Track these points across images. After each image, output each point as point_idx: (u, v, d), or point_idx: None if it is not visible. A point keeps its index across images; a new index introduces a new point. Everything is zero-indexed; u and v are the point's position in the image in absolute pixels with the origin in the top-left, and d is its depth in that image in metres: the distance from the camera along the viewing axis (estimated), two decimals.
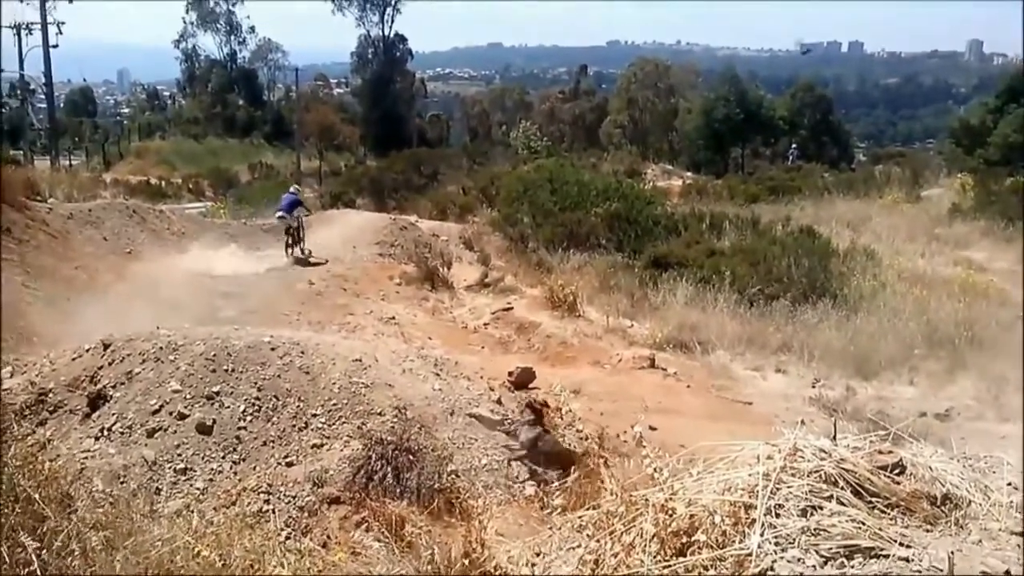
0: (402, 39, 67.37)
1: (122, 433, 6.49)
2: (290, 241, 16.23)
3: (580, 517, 3.56)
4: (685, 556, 2.86)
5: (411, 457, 5.98)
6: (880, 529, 2.79)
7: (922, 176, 31.41)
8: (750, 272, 15.02)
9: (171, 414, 6.58)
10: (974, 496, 3.08)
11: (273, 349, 7.28)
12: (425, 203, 27.33)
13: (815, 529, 2.80)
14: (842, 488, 2.96)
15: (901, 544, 2.75)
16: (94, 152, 53.37)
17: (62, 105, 63.52)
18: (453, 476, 6.15)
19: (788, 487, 2.96)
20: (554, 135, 57.82)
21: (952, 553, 2.66)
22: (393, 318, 13.03)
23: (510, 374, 8.85)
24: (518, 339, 12.60)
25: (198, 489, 6.03)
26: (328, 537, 5.33)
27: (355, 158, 57.59)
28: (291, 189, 18.06)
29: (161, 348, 7.20)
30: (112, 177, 36.46)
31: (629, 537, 3.06)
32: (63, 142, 49.12)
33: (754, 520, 2.84)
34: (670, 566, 2.85)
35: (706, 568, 2.79)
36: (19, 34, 41.68)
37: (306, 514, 5.71)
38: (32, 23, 41.23)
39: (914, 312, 13.30)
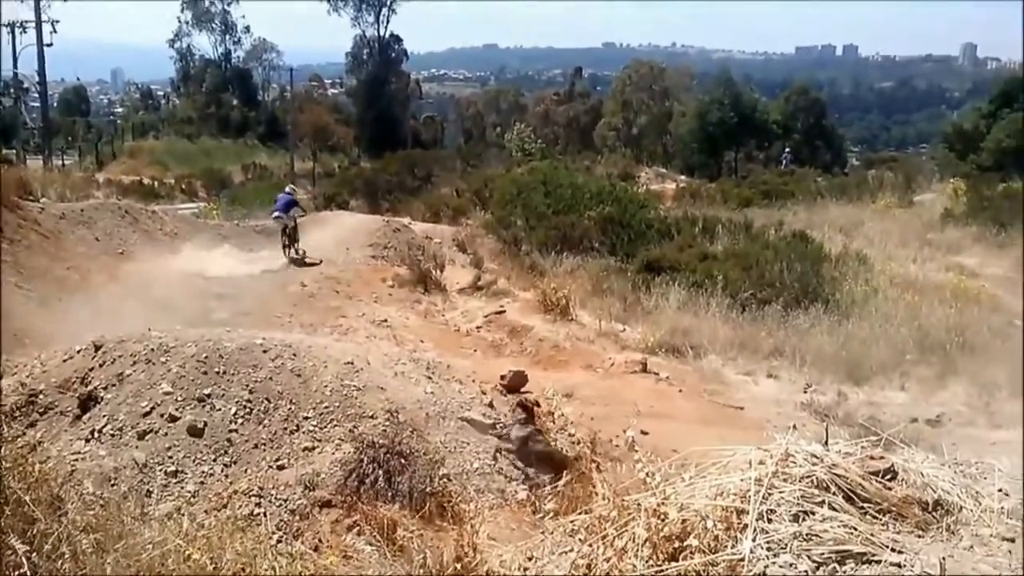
0: (397, 40, 67.34)
1: (113, 435, 6.47)
2: (287, 241, 16.20)
3: (572, 521, 3.56)
4: (677, 561, 2.86)
5: (403, 460, 5.97)
6: (872, 535, 2.79)
7: (915, 181, 31.63)
8: (742, 276, 15.07)
9: (162, 416, 6.56)
10: (965, 502, 3.09)
11: (265, 351, 7.27)
12: (418, 205, 27.31)
13: (807, 534, 2.80)
14: (834, 493, 2.96)
15: (893, 550, 2.75)
16: (87, 152, 53.06)
17: (55, 104, 63.39)
18: (445, 480, 6.14)
19: (780, 492, 2.96)
20: (548, 137, 57.74)
21: (943, 559, 2.66)
22: (385, 321, 13.03)
23: (502, 378, 8.81)
24: (510, 342, 12.62)
25: (189, 492, 6.01)
26: (319, 541, 5.31)
27: (349, 159, 57.43)
28: (287, 189, 18.01)
29: (152, 350, 7.18)
30: (105, 177, 36.25)
31: (621, 542, 3.05)
32: (56, 141, 49.01)
33: (746, 525, 2.83)
34: (662, 571, 2.85)
35: (698, 573, 2.79)
36: (13, 32, 41.55)
37: (297, 517, 5.68)
38: (26, 21, 41.13)
39: (906, 317, 13.37)
